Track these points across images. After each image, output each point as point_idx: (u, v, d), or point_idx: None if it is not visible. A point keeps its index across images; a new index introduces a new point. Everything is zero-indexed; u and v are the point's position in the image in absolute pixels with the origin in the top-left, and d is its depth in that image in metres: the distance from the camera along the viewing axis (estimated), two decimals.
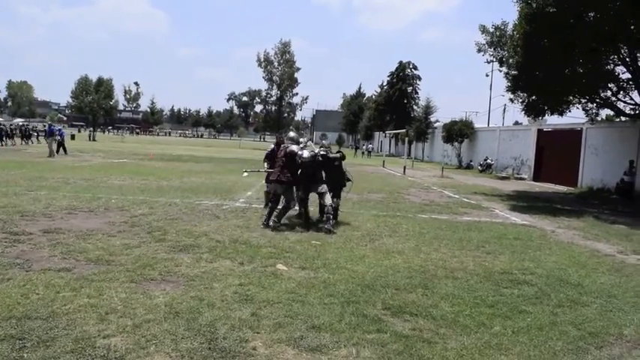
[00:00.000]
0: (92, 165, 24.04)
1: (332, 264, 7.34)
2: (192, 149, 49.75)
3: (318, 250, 8.19)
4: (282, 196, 10.35)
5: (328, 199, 10.22)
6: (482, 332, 5.07)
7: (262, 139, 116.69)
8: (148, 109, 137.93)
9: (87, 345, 4.20)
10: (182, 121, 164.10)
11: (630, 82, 19.75)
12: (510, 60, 21.61)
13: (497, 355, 4.53)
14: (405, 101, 63.24)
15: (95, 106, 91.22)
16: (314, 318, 5.11)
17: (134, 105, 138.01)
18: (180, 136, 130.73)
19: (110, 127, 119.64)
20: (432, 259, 8.13)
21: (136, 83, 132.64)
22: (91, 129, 78.93)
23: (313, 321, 5.02)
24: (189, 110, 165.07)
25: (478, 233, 10.76)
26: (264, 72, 66.31)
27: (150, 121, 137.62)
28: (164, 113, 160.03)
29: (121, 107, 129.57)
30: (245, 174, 14.54)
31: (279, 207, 10.23)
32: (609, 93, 20.55)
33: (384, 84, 69.16)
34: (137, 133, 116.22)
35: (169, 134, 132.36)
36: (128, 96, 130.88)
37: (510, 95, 21.91)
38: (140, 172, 20.51)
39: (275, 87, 67.08)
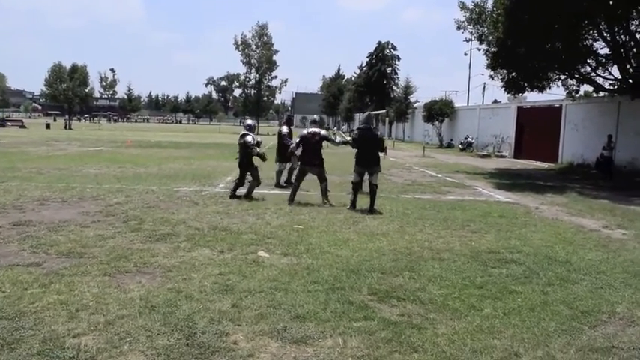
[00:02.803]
0: (67, 154, 23.43)
1: (315, 249, 7.11)
2: (171, 135, 49.10)
3: (300, 234, 7.95)
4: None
5: (375, 179, 10.64)
6: (473, 315, 4.89)
7: (242, 124, 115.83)
8: (125, 96, 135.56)
9: (55, 346, 3.92)
10: (160, 107, 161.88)
11: (609, 58, 19.72)
12: (490, 37, 21.43)
13: (490, 339, 4.35)
14: (385, 82, 62.58)
15: (70, 94, 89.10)
16: (297, 307, 4.88)
17: (111, 92, 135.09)
18: (159, 122, 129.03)
19: (87, 115, 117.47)
20: (418, 240, 7.95)
21: (112, 70, 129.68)
22: (67, 117, 77.31)
23: (297, 310, 4.80)
24: (168, 96, 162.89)
25: (462, 212, 10.61)
26: (241, 55, 65.23)
27: (127, 108, 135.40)
28: (142, 100, 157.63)
29: (97, 94, 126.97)
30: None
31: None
32: (588, 69, 20.51)
33: (364, 65, 68.46)
34: (115, 121, 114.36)
35: (147, 121, 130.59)
36: (104, 83, 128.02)
37: (490, 72, 21.78)
38: (117, 160, 20.02)
39: (253, 70, 66.05)
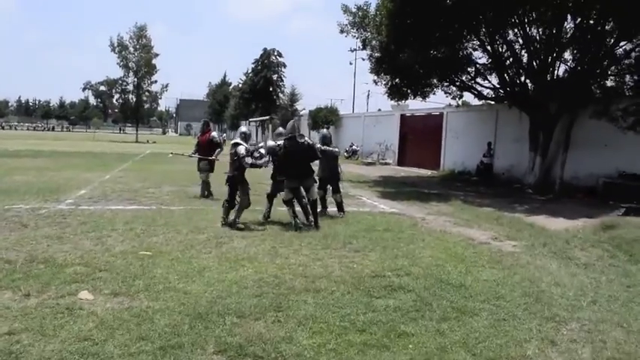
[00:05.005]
0: None
1: (158, 284, 5.56)
2: (36, 143, 44.35)
3: (144, 264, 6.33)
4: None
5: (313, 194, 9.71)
6: None
7: (122, 131, 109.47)
8: None
9: None
10: (31, 113, 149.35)
11: (488, 67, 19.84)
12: (373, 41, 20.87)
13: None
14: (271, 89, 61.65)
15: None
16: None
17: None
18: (29, 129, 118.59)
19: None
20: (291, 264, 6.63)
21: None
22: None
23: None
24: (39, 101, 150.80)
25: (345, 227, 9.48)
26: (118, 58, 61.02)
27: None
28: (10, 105, 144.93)
29: None
30: (170, 156, 15.65)
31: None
32: (469, 77, 20.55)
33: (249, 72, 66.99)
34: None
35: (15, 128, 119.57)
36: None
37: (374, 77, 21.24)
38: None
39: (132, 74, 62.08)
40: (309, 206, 9.57)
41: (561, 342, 4.50)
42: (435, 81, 20.79)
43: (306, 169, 9.61)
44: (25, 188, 13.14)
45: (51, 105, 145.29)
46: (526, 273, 6.75)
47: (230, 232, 8.58)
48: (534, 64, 17.93)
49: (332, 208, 11.00)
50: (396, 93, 21.28)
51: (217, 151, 13.12)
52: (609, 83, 17.24)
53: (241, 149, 9.24)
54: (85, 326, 4.37)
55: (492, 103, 21.70)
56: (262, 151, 9.68)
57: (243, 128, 10.31)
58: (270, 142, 10.20)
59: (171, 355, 3.86)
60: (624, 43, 15.94)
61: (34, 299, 5.02)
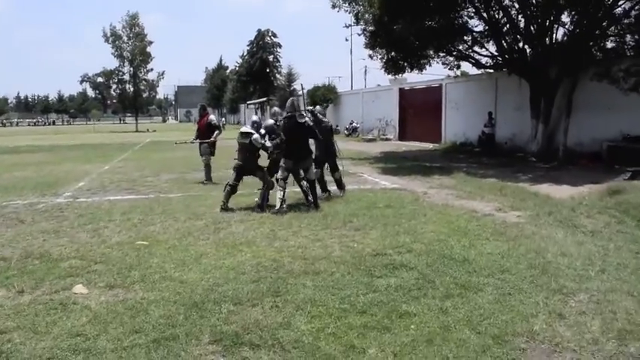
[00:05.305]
0: None
1: (154, 274, 5.43)
2: (37, 138, 44.27)
3: (140, 254, 6.20)
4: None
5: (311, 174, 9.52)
6: None
7: (122, 121, 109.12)
8: None
9: None
10: (31, 108, 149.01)
11: (485, 34, 19.47)
12: (366, 15, 20.48)
13: None
14: (268, 70, 61.28)
15: None
16: None
17: None
18: (30, 125, 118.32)
19: None
20: (289, 247, 6.49)
21: None
22: None
23: None
24: (38, 96, 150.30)
25: (345, 205, 9.32)
26: (112, 48, 60.51)
27: None
28: (9, 102, 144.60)
29: None
30: (175, 145, 16.97)
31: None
32: (466, 46, 20.20)
33: (245, 54, 66.42)
34: None
35: (17, 124, 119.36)
36: None
37: (370, 52, 20.91)
38: None
39: (127, 63, 61.58)
40: (307, 187, 9.39)
41: (569, 315, 4.35)
42: (431, 52, 20.42)
43: (303, 149, 9.39)
44: (24, 184, 13.04)
45: (50, 99, 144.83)
46: (531, 244, 6.58)
47: (229, 215, 8.45)
48: (532, 28, 17.57)
49: (332, 187, 10.79)
50: (392, 67, 20.94)
51: (216, 133, 13.18)
52: (609, 44, 16.88)
53: (257, 137, 9.22)
54: (78, 321, 4.25)
55: (491, 71, 21.36)
56: (262, 131, 9.55)
57: (254, 117, 10.25)
58: (269, 121, 10.03)
59: (164, 348, 3.73)
60: (623, 2, 15.56)
61: (28, 296, 4.91)
